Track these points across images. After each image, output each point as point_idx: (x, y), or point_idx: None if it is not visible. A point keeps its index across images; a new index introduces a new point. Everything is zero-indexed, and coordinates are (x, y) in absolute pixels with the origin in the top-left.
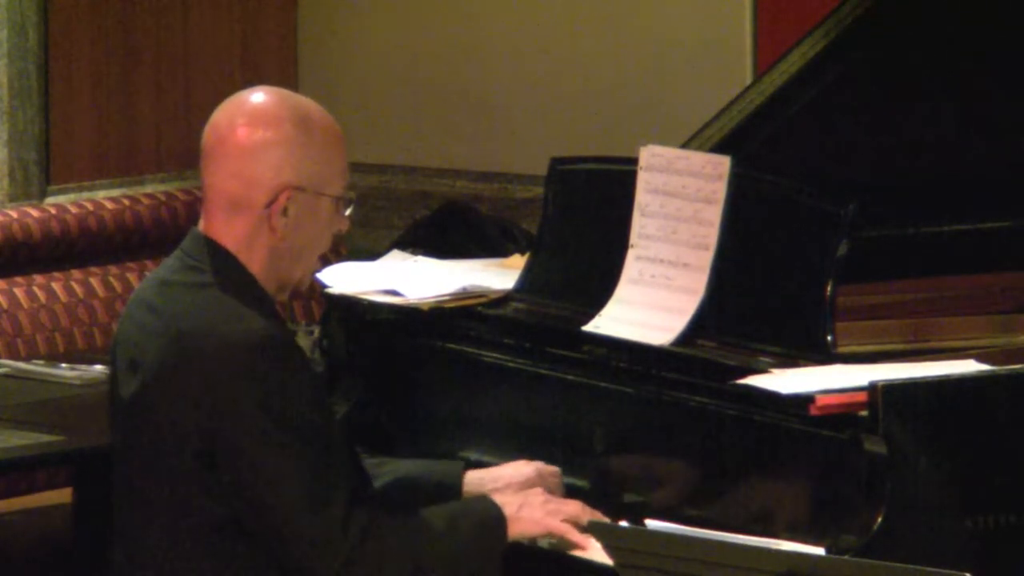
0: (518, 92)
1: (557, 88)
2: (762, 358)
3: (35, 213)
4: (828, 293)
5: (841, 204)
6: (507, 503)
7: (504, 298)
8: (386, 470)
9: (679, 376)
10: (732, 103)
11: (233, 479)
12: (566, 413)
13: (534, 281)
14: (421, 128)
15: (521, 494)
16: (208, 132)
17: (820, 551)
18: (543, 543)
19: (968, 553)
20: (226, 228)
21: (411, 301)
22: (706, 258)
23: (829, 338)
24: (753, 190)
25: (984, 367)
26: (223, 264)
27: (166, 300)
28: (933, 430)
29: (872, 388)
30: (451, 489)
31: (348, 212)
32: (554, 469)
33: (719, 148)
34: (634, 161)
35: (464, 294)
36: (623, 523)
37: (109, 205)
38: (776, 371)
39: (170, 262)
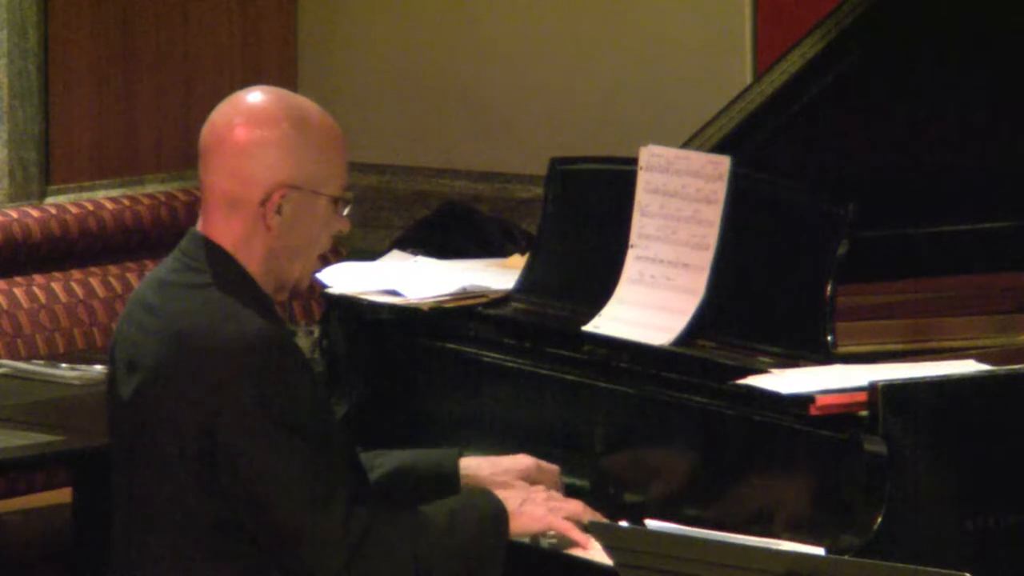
0: (518, 92)
1: (557, 88)
2: (762, 358)
3: (35, 213)
4: (828, 293)
5: (841, 204)
6: (509, 498)
7: (504, 298)
8: (382, 461)
9: (679, 376)
10: (732, 103)
11: (233, 479)
12: (566, 413)
13: (534, 281)
14: (421, 128)
15: (524, 490)
16: (206, 132)
17: (820, 551)
18: (544, 543)
19: (968, 553)
20: (224, 228)
21: (411, 301)
22: (706, 258)
23: (829, 338)
24: (753, 190)
25: (984, 367)
26: (221, 264)
27: (165, 300)
28: (933, 430)
29: (872, 388)
30: (448, 477)
31: (346, 212)
32: (553, 467)
33: (719, 148)
34: (634, 161)
35: (464, 294)
36: (623, 523)
37: (109, 205)
38: (776, 371)
39: (168, 262)
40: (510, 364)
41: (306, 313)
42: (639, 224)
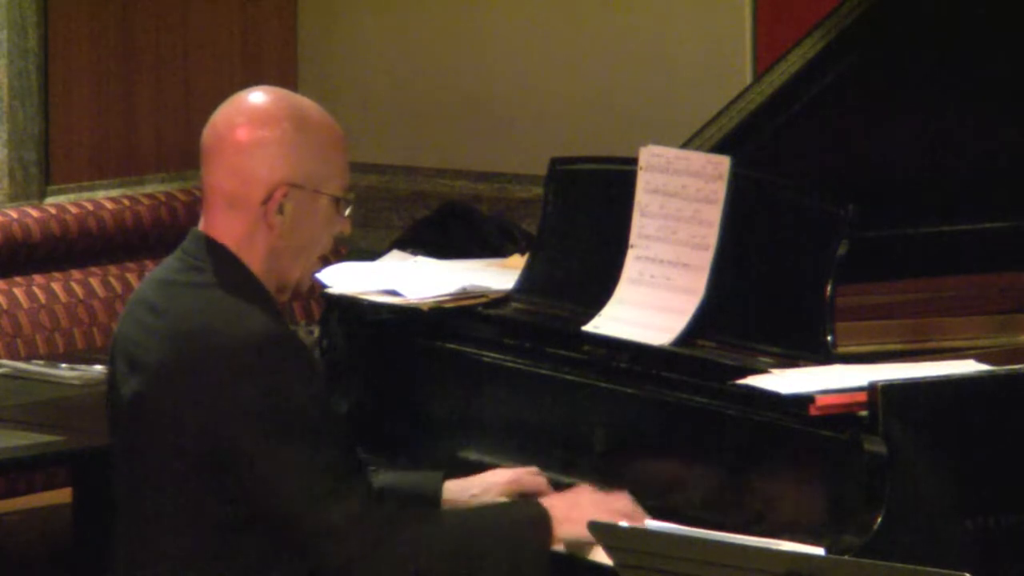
0: (518, 92)
1: (557, 88)
2: (762, 358)
3: (35, 213)
4: (828, 293)
5: (841, 204)
6: (555, 505)
7: (504, 298)
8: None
9: (679, 376)
10: (732, 103)
11: (243, 478)
12: (566, 413)
13: (534, 281)
14: (421, 128)
15: (570, 494)
16: (207, 132)
17: (820, 551)
18: (557, 546)
19: (968, 553)
20: (225, 227)
21: (411, 301)
22: (706, 258)
23: (829, 338)
24: (753, 190)
25: (984, 367)
26: (223, 263)
27: (167, 300)
28: (933, 430)
29: (872, 388)
30: (430, 499)
31: (348, 213)
32: (532, 469)
33: (719, 148)
34: (634, 161)
35: (464, 294)
36: (623, 523)
37: (109, 205)
38: (776, 371)
39: (170, 262)
40: (510, 364)
41: (306, 313)
42: (639, 224)
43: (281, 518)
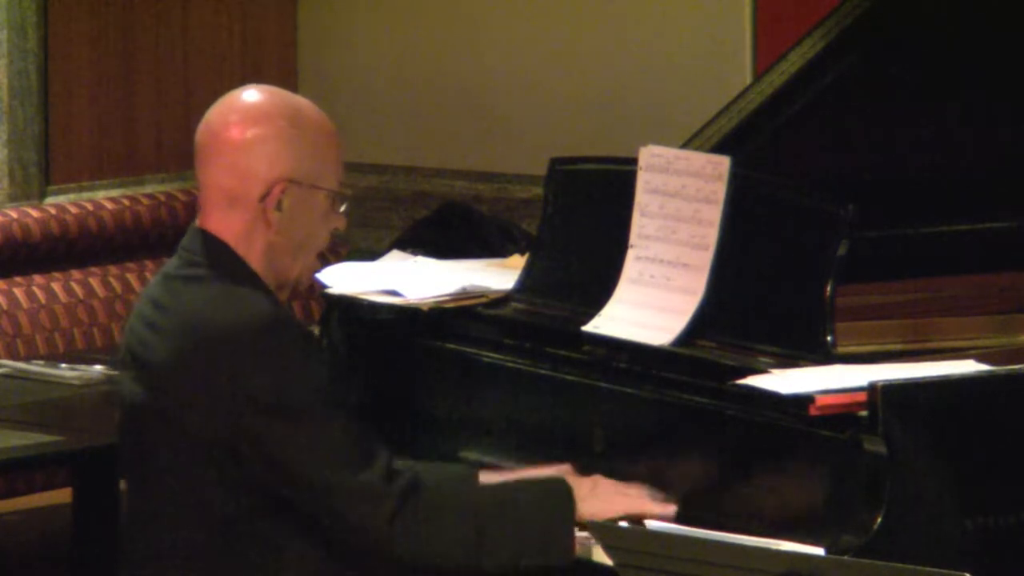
0: (517, 92)
1: (557, 88)
2: (762, 358)
3: (35, 213)
4: (828, 293)
5: (841, 204)
6: (579, 483)
7: (504, 298)
8: None
9: (679, 376)
10: (732, 103)
11: (264, 463)
12: (566, 413)
13: (534, 281)
14: (421, 128)
15: (591, 478)
16: (202, 130)
17: (820, 551)
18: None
19: (968, 553)
20: (223, 224)
21: (411, 301)
22: (706, 258)
23: (829, 338)
24: (753, 190)
25: (984, 367)
26: (222, 255)
27: (170, 296)
28: (933, 430)
29: (872, 388)
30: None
31: (344, 209)
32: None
33: (719, 148)
34: (634, 161)
35: (464, 294)
36: (623, 523)
37: (109, 205)
38: (776, 371)
39: (172, 260)
40: (510, 364)
41: (306, 313)
42: (639, 224)
43: (307, 494)
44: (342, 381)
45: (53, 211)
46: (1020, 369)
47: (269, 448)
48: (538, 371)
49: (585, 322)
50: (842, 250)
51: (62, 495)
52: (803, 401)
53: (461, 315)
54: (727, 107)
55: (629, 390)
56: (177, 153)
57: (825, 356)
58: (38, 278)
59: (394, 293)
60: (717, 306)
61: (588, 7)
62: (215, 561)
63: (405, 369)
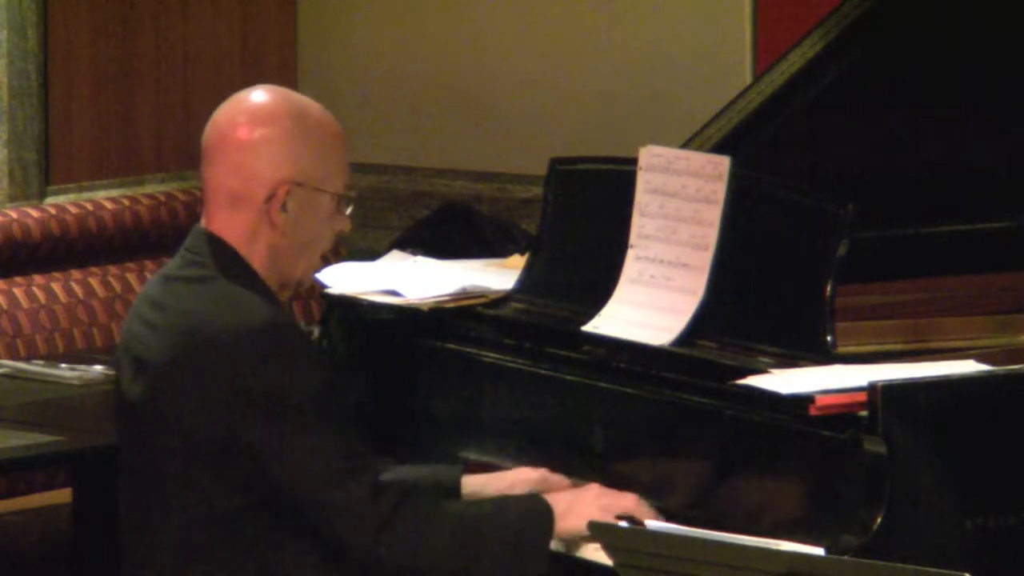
0: (517, 92)
1: (557, 88)
2: (762, 358)
3: (35, 213)
4: (828, 293)
5: (841, 204)
6: (557, 500)
7: (504, 298)
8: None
9: (679, 376)
10: (732, 103)
11: (255, 465)
12: (566, 413)
13: (534, 281)
14: (421, 128)
15: (574, 491)
16: (208, 131)
17: (820, 551)
18: (554, 544)
19: (968, 553)
20: (228, 225)
21: (411, 301)
22: (706, 258)
23: (829, 338)
24: (753, 190)
25: (984, 367)
26: (225, 257)
27: (170, 296)
28: (933, 430)
29: (872, 388)
30: (449, 492)
31: (349, 211)
32: (560, 477)
33: (719, 148)
34: (634, 161)
35: (464, 294)
36: (623, 523)
37: (109, 205)
38: (776, 371)
39: (174, 260)
40: (510, 364)
41: (306, 313)
42: (639, 224)
43: (294, 502)
44: (342, 384)
45: (53, 211)
46: (1020, 369)
47: (260, 453)
48: (538, 371)
49: (585, 322)
50: (842, 250)
51: (62, 495)
52: (803, 401)
53: (461, 315)
54: (727, 107)
55: (629, 390)
56: (177, 153)
57: (825, 356)
58: (38, 278)
59: (394, 293)
60: (717, 306)
61: (588, 7)
62: (214, 561)
63: (405, 369)
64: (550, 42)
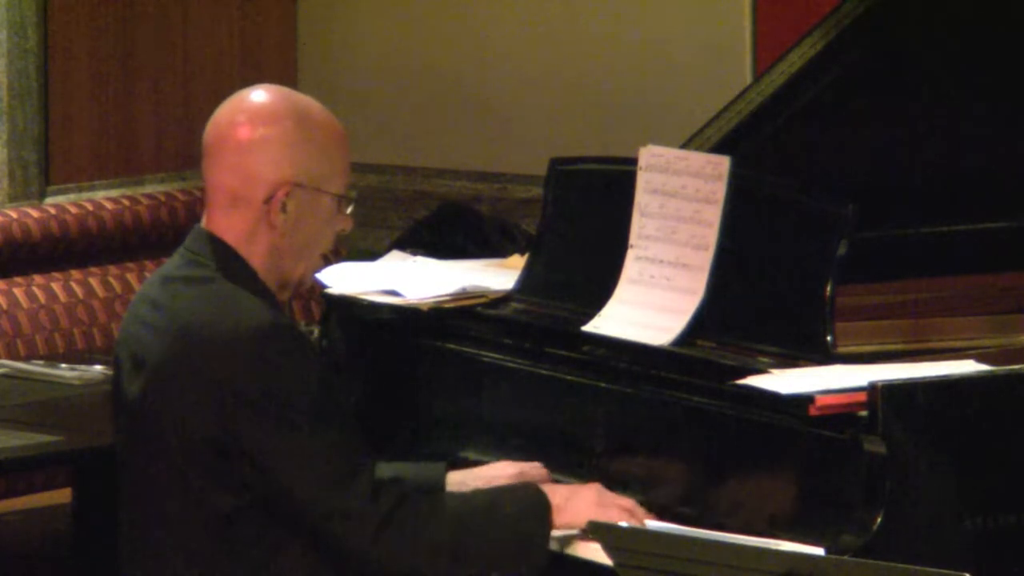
0: (518, 92)
1: (557, 88)
2: (762, 358)
3: (35, 213)
4: (828, 293)
5: (841, 204)
6: (555, 492)
7: (504, 298)
8: None
9: (679, 376)
10: (732, 103)
11: (253, 467)
12: (566, 413)
13: (534, 281)
14: (421, 128)
15: (571, 486)
16: (210, 129)
17: (820, 551)
18: (552, 545)
19: (968, 553)
20: (227, 225)
21: (411, 301)
22: (706, 258)
23: (829, 338)
24: (753, 190)
25: (984, 367)
26: (225, 257)
27: (169, 296)
28: (932, 430)
29: (872, 388)
30: (434, 488)
31: (350, 211)
32: (536, 464)
33: (719, 148)
34: (634, 161)
35: (464, 294)
36: (623, 523)
37: (109, 205)
38: (776, 371)
39: (173, 259)
40: (510, 364)
41: (306, 313)
42: (639, 224)
43: (292, 504)
44: (340, 384)
45: (53, 211)
46: (1020, 369)
47: (259, 455)
48: (538, 371)
49: (585, 322)
50: (842, 250)
51: (62, 495)
52: (803, 401)
53: (461, 315)
54: (727, 107)
55: (629, 390)
56: (177, 153)
57: (825, 356)
58: (38, 278)
59: (394, 293)
60: (717, 306)
61: (588, 7)
62: (212, 561)
63: (405, 369)
64: (550, 41)
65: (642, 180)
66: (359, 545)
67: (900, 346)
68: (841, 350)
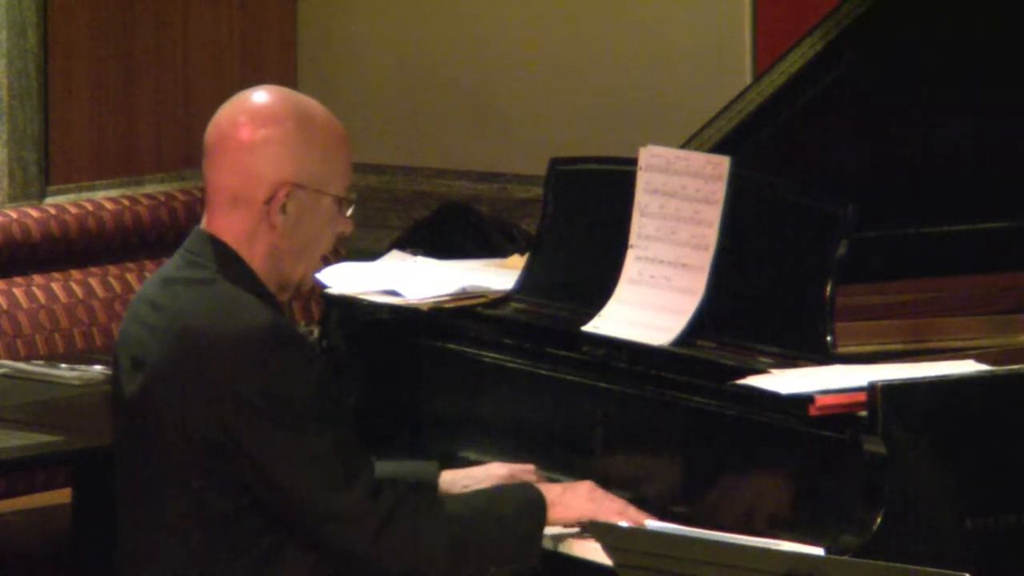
0: (518, 92)
1: (557, 88)
2: (762, 358)
3: (35, 213)
4: (828, 293)
5: (841, 204)
6: (550, 488)
7: (504, 298)
8: None
9: (679, 376)
10: (732, 103)
11: (252, 468)
12: (566, 413)
13: (534, 281)
14: (421, 128)
15: (565, 484)
16: (211, 130)
17: (820, 551)
18: (546, 543)
19: (968, 553)
20: (227, 225)
21: (411, 301)
22: (705, 258)
23: (829, 338)
24: (753, 190)
25: (984, 367)
26: (225, 259)
27: (169, 297)
28: (932, 430)
29: (871, 388)
30: (427, 488)
31: (350, 213)
32: (528, 467)
33: (719, 148)
34: (634, 161)
35: (464, 294)
36: (623, 523)
37: (108, 205)
38: (775, 371)
39: (173, 260)
40: (510, 364)
41: (306, 313)
42: (639, 224)
43: (292, 505)
44: (341, 385)
45: (53, 211)
46: (1020, 369)
47: (258, 456)
48: (538, 371)
49: (585, 322)
50: (842, 250)
51: (62, 495)
52: (803, 401)
53: (461, 315)
54: (727, 107)
55: (629, 390)
56: (177, 153)
57: (825, 356)
58: (38, 278)
59: (394, 293)
60: (717, 306)
61: (588, 7)
62: (212, 561)
63: (405, 369)
64: (550, 42)
65: (642, 180)
66: (359, 545)
67: (900, 346)
68: (841, 350)
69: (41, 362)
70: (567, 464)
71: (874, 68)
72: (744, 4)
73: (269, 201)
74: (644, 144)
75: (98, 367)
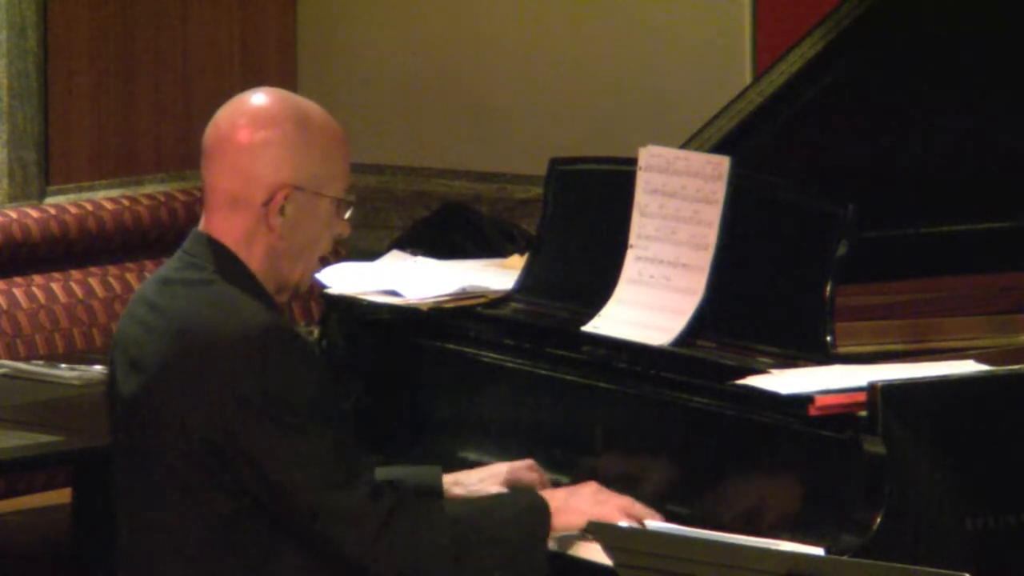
0: (518, 92)
1: (557, 88)
2: (761, 358)
3: (34, 213)
4: (828, 293)
5: (841, 204)
6: (554, 495)
7: (504, 298)
8: None
9: (679, 376)
10: (732, 103)
11: (251, 469)
12: (566, 413)
13: (534, 281)
14: (421, 128)
15: (569, 488)
16: (210, 131)
17: (820, 551)
18: (552, 546)
19: (968, 553)
20: (225, 226)
21: (411, 301)
22: (705, 258)
23: (829, 338)
24: (752, 190)
25: (984, 367)
26: (223, 260)
27: (167, 298)
28: (932, 430)
29: (871, 388)
30: (431, 491)
31: (348, 215)
32: (528, 462)
33: (719, 148)
34: (634, 161)
35: (464, 294)
36: (623, 523)
37: (108, 205)
38: (775, 371)
39: (171, 261)
40: (510, 364)
41: (306, 313)
42: (638, 224)
43: (291, 506)
44: (340, 386)
45: (53, 211)
46: (1020, 369)
47: (258, 457)
48: (538, 371)
49: (585, 322)
50: (842, 250)
51: (62, 495)
52: (802, 401)
53: (461, 315)
54: (727, 107)
55: (629, 390)
56: (177, 153)
57: (825, 356)
58: (38, 278)
59: (394, 293)
60: (717, 306)
61: (588, 7)
62: (212, 562)
63: (405, 369)
64: (550, 42)
65: (642, 180)
66: (359, 547)
67: (900, 346)
68: (841, 350)
69: (41, 362)
70: (567, 464)
71: (874, 68)
72: (744, 4)
73: (268, 203)
74: (644, 144)
75: (98, 367)
